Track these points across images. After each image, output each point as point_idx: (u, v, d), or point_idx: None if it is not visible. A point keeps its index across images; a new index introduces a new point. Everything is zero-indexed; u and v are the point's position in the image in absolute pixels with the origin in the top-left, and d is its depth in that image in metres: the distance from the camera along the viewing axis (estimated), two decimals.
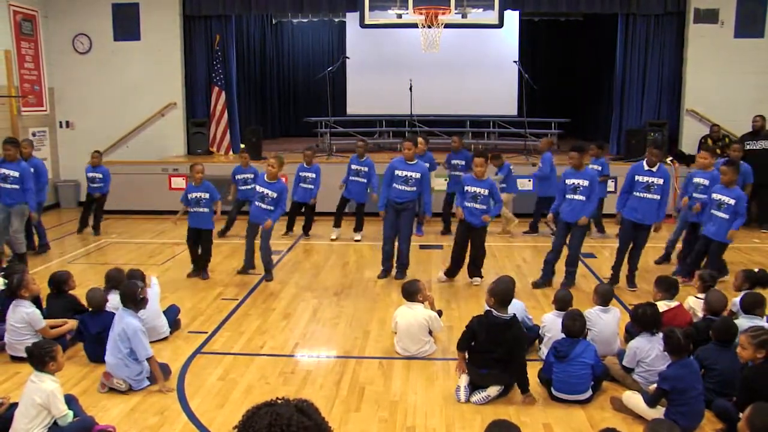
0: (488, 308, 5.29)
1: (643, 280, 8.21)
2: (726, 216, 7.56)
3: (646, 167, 7.83)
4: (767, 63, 12.89)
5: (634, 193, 7.84)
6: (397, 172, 8.26)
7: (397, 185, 8.26)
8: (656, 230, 7.94)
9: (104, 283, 6.47)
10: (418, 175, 8.26)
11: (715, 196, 7.68)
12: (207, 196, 8.34)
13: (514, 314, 5.27)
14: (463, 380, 5.28)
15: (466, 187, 8.01)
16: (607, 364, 5.49)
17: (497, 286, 5.31)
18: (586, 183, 7.82)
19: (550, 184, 10.49)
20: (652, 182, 7.75)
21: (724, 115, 12.79)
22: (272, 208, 8.20)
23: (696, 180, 8.41)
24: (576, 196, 7.84)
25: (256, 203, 8.28)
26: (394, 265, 8.58)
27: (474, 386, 5.25)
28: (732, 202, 7.53)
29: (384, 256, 8.57)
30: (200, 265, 8.53)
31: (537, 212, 10.87)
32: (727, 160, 8.10)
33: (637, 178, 7.84)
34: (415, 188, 8.29)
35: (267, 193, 8.18)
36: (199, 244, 8.47)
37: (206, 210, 8.36)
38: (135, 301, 5.54)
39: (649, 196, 7.76)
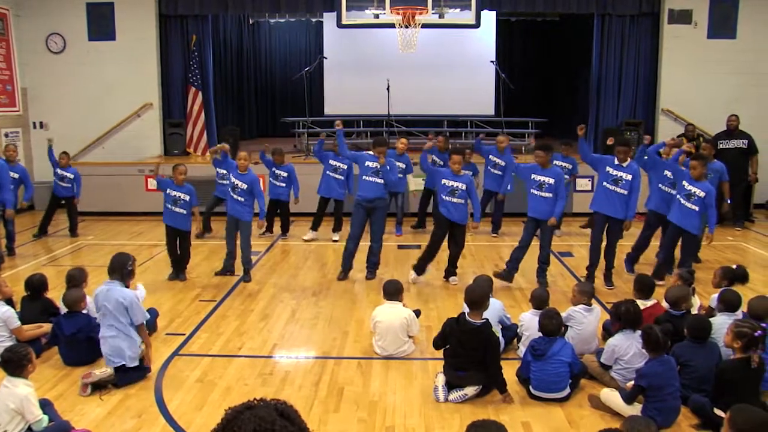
0: (464, 311, 5.32)
1: (619, 278, 8.30)
2: (695, 208, 7.63)
3: (616, 162, 7.90)
4: (740, 64, 13.08)
5: (603, 183, 7.88)
6: (367, 162, 8.26)
7: (367, 177, 8.24)
8: (626, 228, 7.98)
9: (66, 283, 6.40)
10: (387, 167, 8.27)
11: (685, 185, 7.70)
12: (187, 198, 8.28)
13: (486, 320, 5.27)
14: (440, 380, 5.29)
15: (443, 180, 8.03)
16: (585, 362, 5.54)
17: (471, 289, 5.37)
18: (551, 180, 7.87)
19: (502, 180, 10.54)
20: (620, 177, 7.80)
21: (699, 115, 12.95)
22: (243, 199, 8.21)
23: (665, 172, 8.42)
24: (542, 193, 7.89)
25: (231, 194, 8.28)
26: (366, 266, 8.59)
27: (451, 386, 5.26)
28: (702, 194, 7.60)
29: (345, 255, 8.52)
30: (179, 267, 8.48)
31: (498, 210, 10.91)
32: (696, 155, 8.15)
33: (608, 169, 7.88)
34: (383, 181, 8.28)
35: (237, 184, 8.20)
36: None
37: (184, 212, 8.29)
38: (123, 272, 5.64)
39: (618, 190, 7.81)
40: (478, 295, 5.29)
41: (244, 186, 8.20)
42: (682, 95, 13.30)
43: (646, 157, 8.41)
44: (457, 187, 7.97)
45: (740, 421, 3.68)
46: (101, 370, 5.36)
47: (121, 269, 5.62)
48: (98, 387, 5.35)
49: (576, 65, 16.95)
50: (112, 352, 5.42)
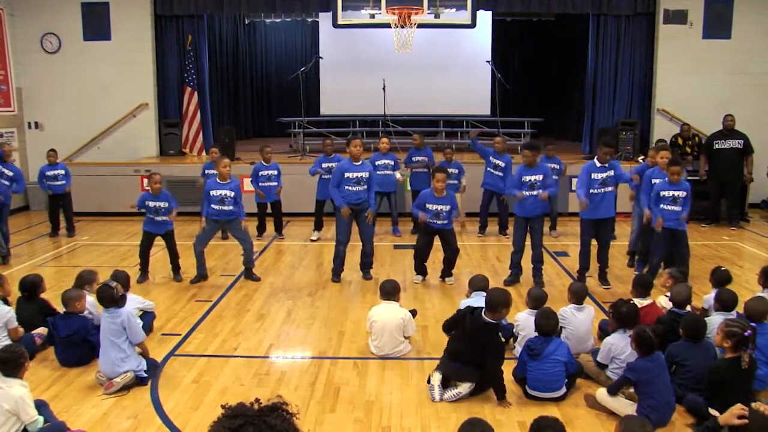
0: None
1: (615, 278, 8.32)
2: (680, 208, 7.71)
3: (598, 164, 7.92)
4: (735, 63, 13.10)
5: (591, 191, 7.89)
6: (347, 174, 8.21)
7: (349, 187, 8.21)
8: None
9: (75, 281, 6.40)
10: (367, 174, 8.27)
11: (666, 193, 7.74)
12: (166, 204, 8.28)
13: (499, 323, 5.33)
14: (436, 379, 5.30)
15: (427, 205, 8.00)
16: (581, 362, 5.55)
17: (493, 293, 5.41)
18: (540, 177, 7.94)
19: (502, 181, 10.53)
20: (607, 177, 7.85)
21: (694, 115, 12.97)
22: (232, 207, 8.17)
23: (656, 181, 8.39)
24: (534, 192, 7.92)
25: (214, 206, 8.16)
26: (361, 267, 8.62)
27: (446, 381, 5.29)
28: (683, 194, 7.71)
29: (337, 261, 8.47)
30: (172, 268, 8.52)
31: (504, 210, 10.89)
32: (673, 160, 8.12)
33: (593, 176, 7.90)
34: (366, 187, 8.28)
35: (226, 194, 8.13)
36: (155, 247, 8.47)
37: (166, 218, 8.31)
38: (114, 300, 5.57)
39: (605, 190, 7.86)
40: (500, 301, 5.29)
41: (232, 194, 8.18)
42: (678, 95, 13.32)
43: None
44: (440, 210, 7.98)
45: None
46: (122, 376, 5.37)
47: (112, 300, 5.56)
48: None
49: (572, 65, 16.97)
50: (117, 374, 5.42)
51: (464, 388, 5.22)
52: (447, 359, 5.33)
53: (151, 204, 8.24)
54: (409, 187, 11.02)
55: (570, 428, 4.77)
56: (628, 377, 4.84)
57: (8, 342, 5.62)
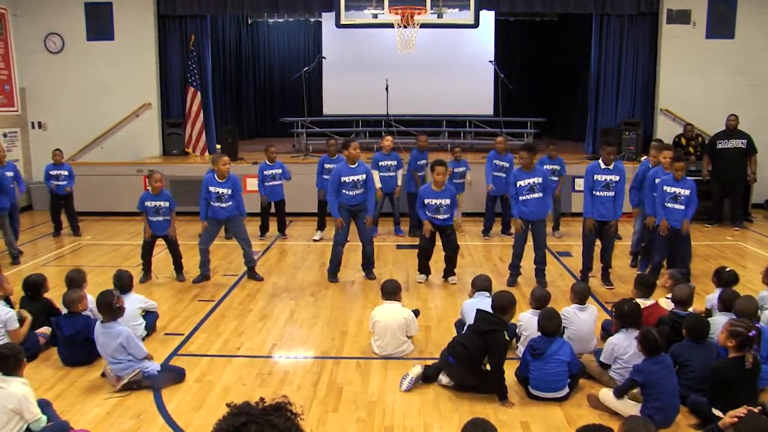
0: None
1: (618, 278, 8.31)
2: (683, 207, 7.69)
3: (602, 165, 7.89)
4: (738, 63, 13.09)
5: (594, 192, 7.88)
6: (343, 178, 8.18)
7: (347, 191, 8.20)
8: (614, 228, 8.01)
9: (66, 285, 6.38)
10: (364, 177, 8.24)
11: (670, 189, 7.72)
12: (167, 204, 8.30)
13: (508, 324, 5.39)
14: (415, 371, 5.41)
15: (426, 201, 8.01)
16: (584, 362, 5.54)
17: (498, 294, 5.62)
18: (539, 180, 7.92)
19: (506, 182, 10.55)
20: (610, 180, 7.83)
21: (698, 115, 12.96)
22: (231, 203, 8.20)
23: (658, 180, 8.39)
24: (534, 195, 7.90)
25: (214, 204, 8.20)
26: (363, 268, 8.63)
27: (428, 379, 5.45)
28: (687, 192, 7.68)
29: (336, 260, 8.47)
30: (174, 268, 8.52)
31: (508, 210, 10.85)
32: (677, 156, 8.11)
33: (596, 177, 7.89)
34: (363, 190, 8.28)
35: (223, 192, 8.16)
36: (158, 247, 8.47)
37: (167, 218, 8.33)
38: (111, 310, 5.53)
39: (609, 193, 7.84)
40: (507, 302, 5.47)
41: (230, 191, 8.20)
42: (681, 95, 13.31)
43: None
44: (440, 204, 7.99)
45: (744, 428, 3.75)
46: (130, 375, 5.39)
47: (110, 309, 5.54)
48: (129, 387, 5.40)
49: (575, 65, 16.95)
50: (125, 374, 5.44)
51: (414, 372, 5.41)
52: (446, 350, 5.40)
53: (151, 204, 8.24)
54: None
55: (573, 428, 4.76)
56: (634, 379, 4.83)
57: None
